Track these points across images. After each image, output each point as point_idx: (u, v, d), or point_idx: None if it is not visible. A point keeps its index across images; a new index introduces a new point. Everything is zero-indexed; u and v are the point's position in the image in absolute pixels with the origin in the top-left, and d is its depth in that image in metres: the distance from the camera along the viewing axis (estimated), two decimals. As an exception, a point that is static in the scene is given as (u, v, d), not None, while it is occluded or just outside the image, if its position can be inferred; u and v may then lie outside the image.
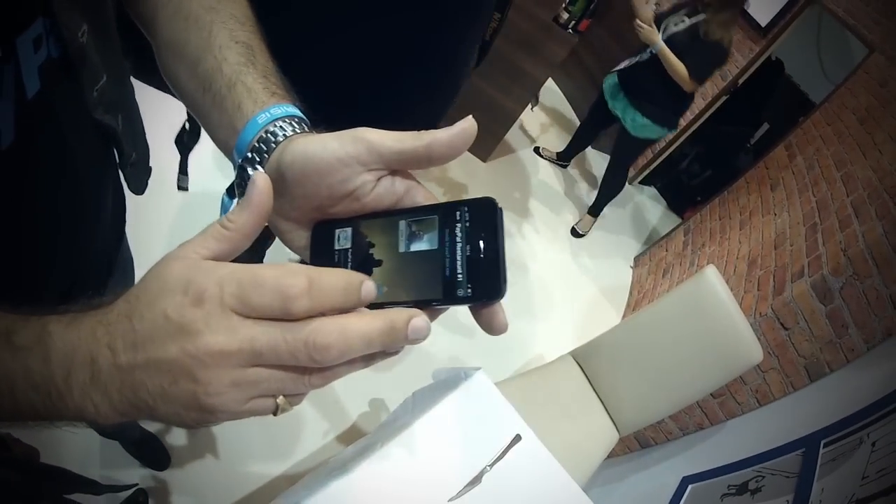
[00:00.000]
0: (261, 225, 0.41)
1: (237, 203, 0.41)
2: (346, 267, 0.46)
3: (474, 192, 3.68)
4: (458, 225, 0.42)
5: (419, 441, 1.37)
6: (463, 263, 0.41)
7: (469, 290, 0.41)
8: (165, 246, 2.41)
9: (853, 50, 3.07)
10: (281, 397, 0.40)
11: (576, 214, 4.06)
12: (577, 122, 5.05)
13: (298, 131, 0.50)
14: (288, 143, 0.48)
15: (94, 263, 0.83)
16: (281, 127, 0.50)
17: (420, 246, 0.43)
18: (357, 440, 1.68)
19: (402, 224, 0.45)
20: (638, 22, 2.91)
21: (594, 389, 2.28)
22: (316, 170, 0.45)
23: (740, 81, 3.89)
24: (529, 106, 3.74)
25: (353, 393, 2.42)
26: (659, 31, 2.89)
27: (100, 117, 0.67)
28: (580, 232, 3.88)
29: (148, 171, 0.92)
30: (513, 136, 4.18)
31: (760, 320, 2.17)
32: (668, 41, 2.87)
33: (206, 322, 0.35)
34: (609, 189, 3.75)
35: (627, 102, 3.23)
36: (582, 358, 2.34)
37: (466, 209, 0.42)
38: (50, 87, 0.57)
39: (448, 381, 1.63)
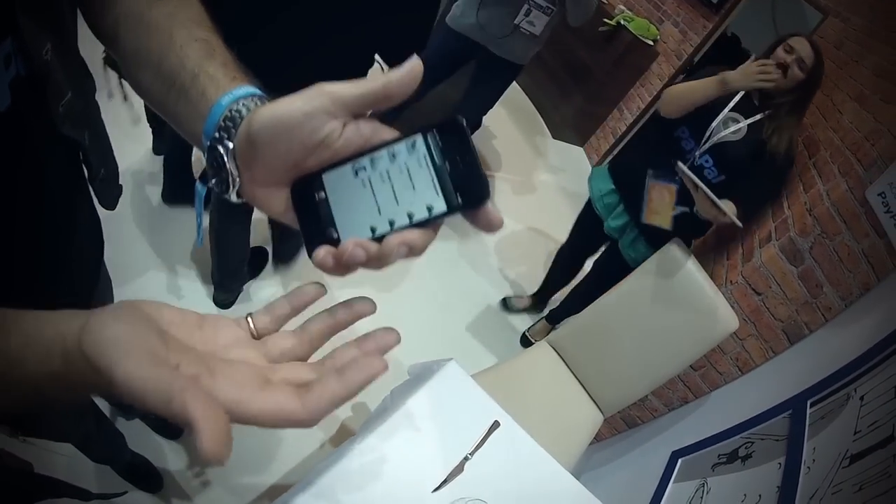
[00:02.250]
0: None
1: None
2: (330, 214, 0.48)
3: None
4: (432, 146, 0.45)
5: (397, 435, 1.33)
6: (446, 178, 0.45)
7: (460, 199, 0.44)
8: (142, 264, 2.43)
9: (808, 16, 3.05)
10: None
11: (548, 208, 3.99)
12: (536, 112, 5.01)
13: (259, 106, 0.52)
14: (254, 114, 0.50)
15: (75, 282, 0.87)
16: (245, 105, 0.52)
17: (401, 174, 0.46)
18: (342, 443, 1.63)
19: (377, 160, 0.47)
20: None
21: (573, 373, 2.23)
22: (285, 128, 0.47)
23: (696, 59, 3.88)
24: None
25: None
26: (702, 139, 2.11)
27: (67, 132, 0.72)
28: (532, 340, 2.99)
29: (118, 188, 0.95)
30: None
31: (732, 288, 2.12)
32: (716, 150, 2.09)
33: None
34: (577, 305, 2.59)
35: (634, 230, 2.42)
36: (558, 343, 2.29)
37: (434, 131, 0.45)
38: (20, 102, 0.61)
39: (422, 375, 1.58)
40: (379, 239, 0.46)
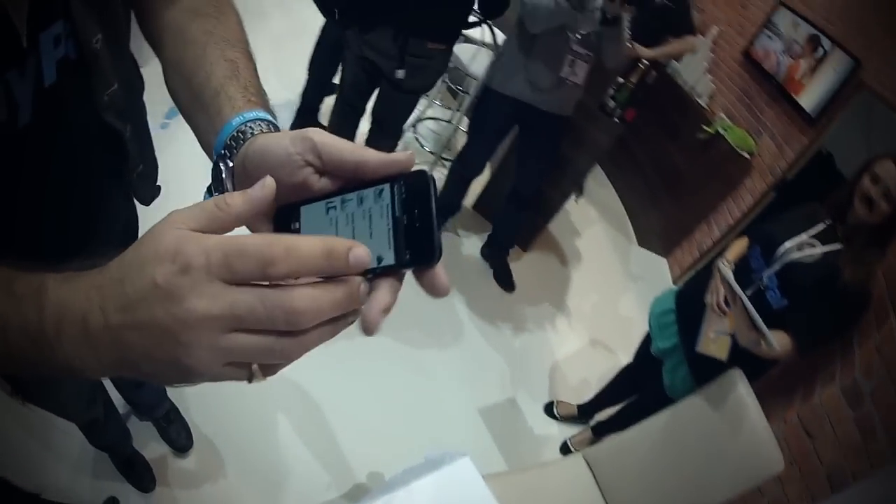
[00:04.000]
0: (252, 216, 0.45)
1: (233, 192, 0.45)
2: None
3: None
4: (396, 198, 0.47)
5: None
6: (401, 232, 0.46)
7: (407, 256, 0.45)
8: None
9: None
10: (255, 366, 0.44)
11: (618, 317, 3.94)
12: (625, 216, 5.00)
13: (265, 131, 0.58)
14: (252, 141, 0.55)
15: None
16: (250, 127, 0.58)
17: (363, 220, 0.48)
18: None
19: (347, 202, 0.50)
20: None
21: (602, 493, 2.15)
22: (268, 163, 0.51)
23: (789, 177, 3.79)
24: (573, 196, 3.71)
25: (356, 460, 2.44)
26: (771, 260, 2.01)
27: (109, 120, 0.81)
28: (572, 449, 2.89)
29: (156, 188, 1.05)
30: (556, 227, 4.17)
31: (784, 427, 2.06)
32: (784, 272, 1.98)
33: (192, 288, 0.39)
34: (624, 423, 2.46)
35: (680, 355, 2.30)
36: (593, 459, 2.23)
37: (402, 182, 0.47)
38: (65, 81, 0.70)
39: (434, 462, 1.58)
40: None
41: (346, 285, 0.42)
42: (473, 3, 2.71)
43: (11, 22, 0.60)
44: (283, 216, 0.53)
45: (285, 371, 0.46)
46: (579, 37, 2.71)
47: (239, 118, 0.59)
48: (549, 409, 3.09)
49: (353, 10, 2.58)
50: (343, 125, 3.10)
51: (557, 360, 3.42)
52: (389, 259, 0.46)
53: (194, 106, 0.66)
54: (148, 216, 1.03)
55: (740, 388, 1.90)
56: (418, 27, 2.57)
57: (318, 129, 0.51)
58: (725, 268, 1.98)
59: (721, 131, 4.22)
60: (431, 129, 4.57)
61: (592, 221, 4.75)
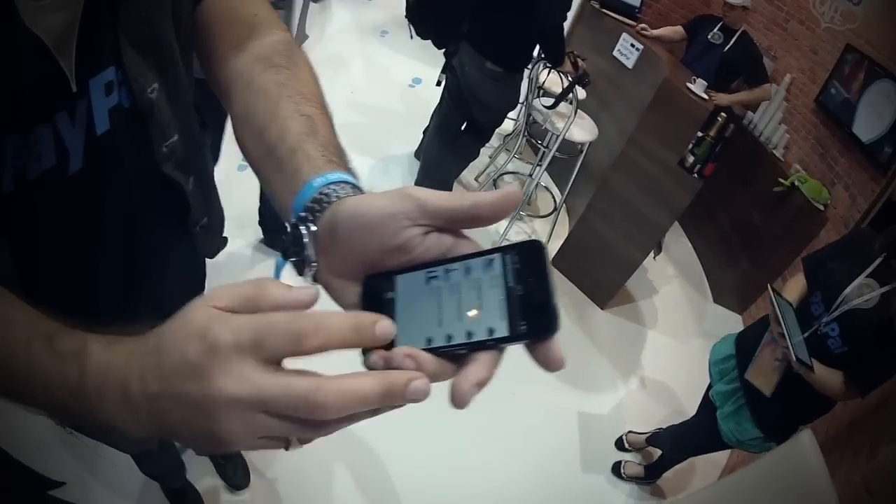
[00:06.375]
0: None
1: (286, 289, 0.45)
2: (393, 316, 0.49)
3: (588, 339, 3.86)
4: (507, 267, 0.46)
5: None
6: (515, 303, 0.45)
7: (524, 328, 0.44)
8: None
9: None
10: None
11: (687, 374, 3.95)
12: (703, 274, 5.02)
13: (350, 195, 0.56)
14: (340, 203, 0.53)
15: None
16: (334, 190, 0.55)
17: (471, 290, 0.47)
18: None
19: (451, 271, 0.49)
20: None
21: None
22: (365, 225, 0.50)
23: (862, 227, 3.77)
24: (652, 254, 3.82)
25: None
26: (832, 307, 2.08)
27: (169, 172, 0.80)
28: (626, 445, 3.23)
29: (222, 239, 1.06)
30: (634, 284, 4.26)
31: (848, 488, 2.05)
32: (845, 318, 2.04)
33: (220, 367, 0.40)
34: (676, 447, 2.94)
35: (739, 402, 2.38)
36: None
37: (515, 251, 0.47)
38: (118, 130, 0.70)
39: None
40: (432, 350, 0.45)
41: (382, 381, 0.42)
42: (533, 34, 3.23)
43: (57, 63, 0.60)
44: (373, 285, 0.52)
45: (356, 429, 0.48)
46: None
47: (321, 179, 0.57)
48: (616, 469, 3.14)
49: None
50: None
51: (626, 419, 3.49)
52: (502, 331, 0.44)
53: (268, 162, 0.65)
54: (213, 267, 1.12)
55: (808, 450, 1.91)
56: (477, 41, 3.18)
57: (413, 186, 0.51)
58: (776, 297, 2.15)
59: (797, 184, 4.25)
60: (510, 184, 4.77)
61: (669, 278, 4.84)
